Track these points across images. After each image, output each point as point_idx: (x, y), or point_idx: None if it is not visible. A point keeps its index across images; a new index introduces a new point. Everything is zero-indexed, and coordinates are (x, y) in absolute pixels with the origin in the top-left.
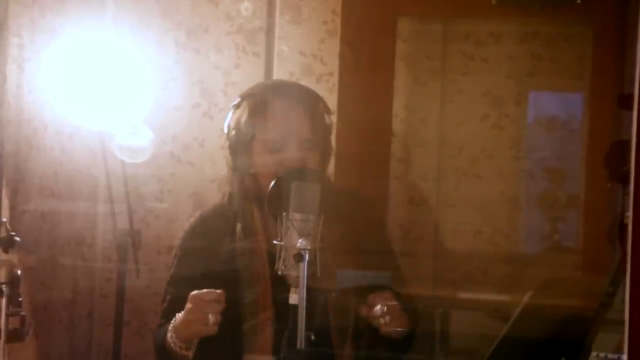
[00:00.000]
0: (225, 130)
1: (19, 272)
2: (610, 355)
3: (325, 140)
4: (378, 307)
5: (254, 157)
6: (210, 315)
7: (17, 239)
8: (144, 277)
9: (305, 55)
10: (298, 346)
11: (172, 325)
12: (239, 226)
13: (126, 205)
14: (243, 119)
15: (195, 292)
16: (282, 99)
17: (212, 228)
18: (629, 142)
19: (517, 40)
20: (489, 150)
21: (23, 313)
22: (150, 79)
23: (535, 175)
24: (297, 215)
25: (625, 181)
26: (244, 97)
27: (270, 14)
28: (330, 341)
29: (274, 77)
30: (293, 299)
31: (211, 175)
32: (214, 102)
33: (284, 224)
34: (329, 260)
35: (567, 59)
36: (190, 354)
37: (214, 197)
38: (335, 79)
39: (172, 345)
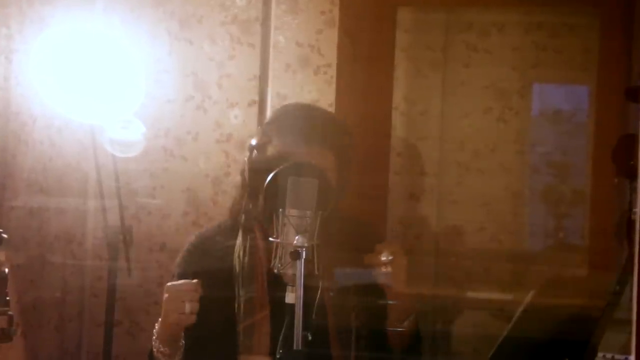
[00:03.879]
0: (247, 153)
1: (6, 270)
2: (617, 356)
3: (343, 175)
4: (384, 254)
5: None
6: (186, 304)
7: (5, 236)
8: (135, 276)
9: (303, 47)
10: (295, 346)
11: (155, 331)
12: (239, 249)
13: (117, 201)
14: (268, 147)
15: (170, 283)
16: (310, 142)
17: (210, 252)
18: (636, 135)
19: (521, 30)
20: (492, 144)
21: (11, 313)
22: (142, 70)
23: (540, 170)
24: (294, 212)
25: (633, 176)
26: (271, 124)
27: (266, 4)
28: (328, 342)
29: (270, 69)
30: (290, 298)
31: (205, 170)
32: (208, 94)
33: (280, 221)
34: (327, 258)
35: (572, 50)
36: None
37: (208, 193)
38: (333, 70)
39: (156, 352)
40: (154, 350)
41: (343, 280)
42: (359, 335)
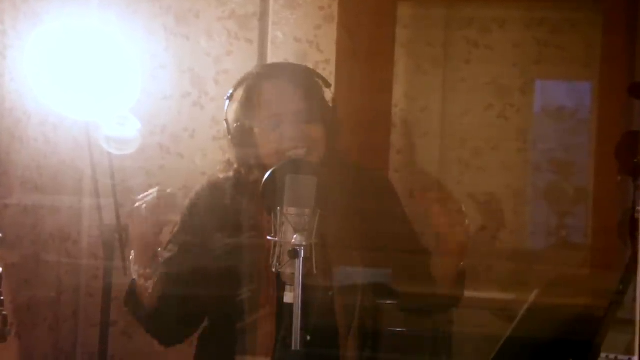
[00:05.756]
0: (226, 125)
1: (0, 269)
2: (620, 357)
3: (326, 112)
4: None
5: (258, 149)
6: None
7: None
8: (131, 275)
9: (301, 42)
10: (293, 347)
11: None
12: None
13: (113, 199)
14: (239, 111)
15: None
16: (271, 80)
17: (220, 196)
18: None
19: (523, 26)
20: (493, 141)
21: (5, 312)
22: (138, 66)
23: (542, 168)
24: (292, 210)
25: (636, 174)
26: (235, 88)
27: None
28: (327, 342)
29: None
30: (288, 297)
31: (202, 168)
32: (205, 90)
33: (278, 219)
34: (326, 256)
35: (575, 46)
36: (150, 284)
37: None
38: (332, 66)
39: (134, 274)
40: (133, 274)
41: (343, 279)
42: (360, 335)
